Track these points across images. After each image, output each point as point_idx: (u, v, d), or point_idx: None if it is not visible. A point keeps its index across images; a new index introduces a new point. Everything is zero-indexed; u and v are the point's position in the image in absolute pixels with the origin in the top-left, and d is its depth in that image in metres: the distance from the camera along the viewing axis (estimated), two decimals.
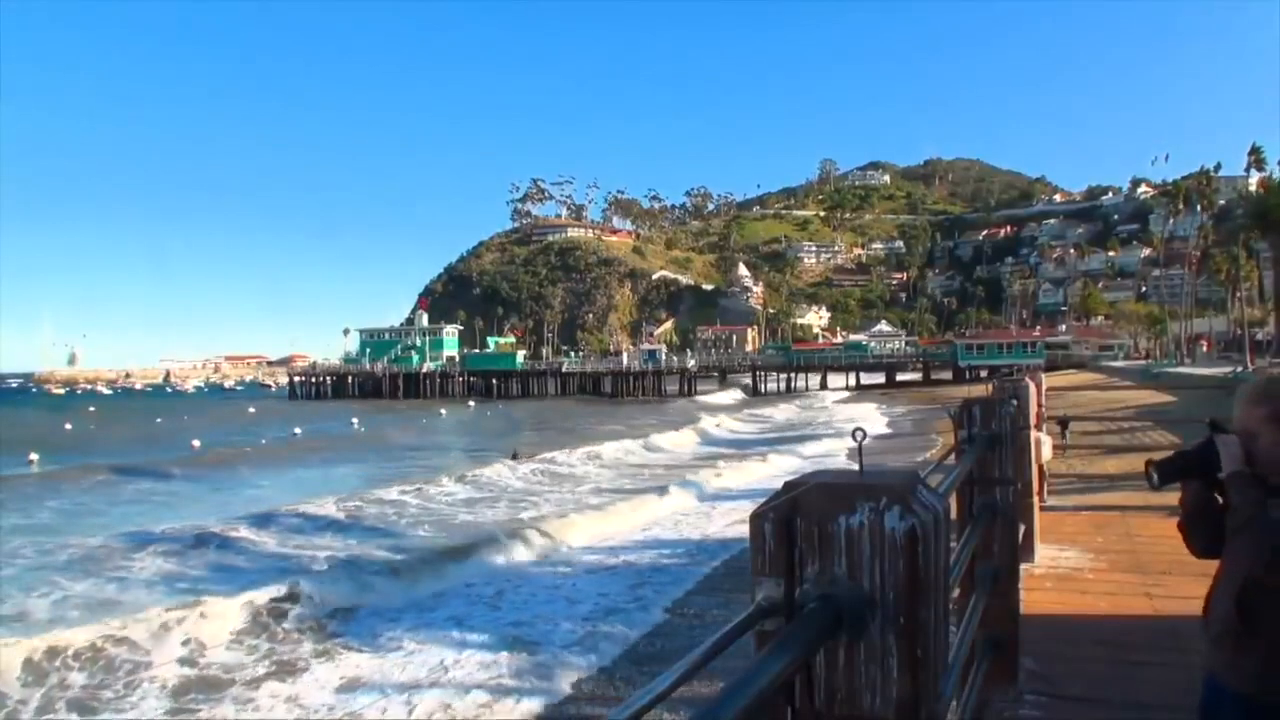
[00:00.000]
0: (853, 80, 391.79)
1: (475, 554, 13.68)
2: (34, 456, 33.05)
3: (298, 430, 45.82)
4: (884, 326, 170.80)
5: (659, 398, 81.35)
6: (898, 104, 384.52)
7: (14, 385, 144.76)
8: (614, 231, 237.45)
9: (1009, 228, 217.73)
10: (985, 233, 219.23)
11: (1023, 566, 4.80)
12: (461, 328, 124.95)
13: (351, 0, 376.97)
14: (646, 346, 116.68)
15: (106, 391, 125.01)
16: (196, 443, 37.19)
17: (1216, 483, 2.27)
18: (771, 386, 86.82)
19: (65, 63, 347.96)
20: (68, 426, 39.90)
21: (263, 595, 10.98)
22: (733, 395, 79.22)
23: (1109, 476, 11.96)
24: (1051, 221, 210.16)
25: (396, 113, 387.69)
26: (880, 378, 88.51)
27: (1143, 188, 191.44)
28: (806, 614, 1.14)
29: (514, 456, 31.34)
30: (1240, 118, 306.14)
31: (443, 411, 61.91)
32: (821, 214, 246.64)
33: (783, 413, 55.29)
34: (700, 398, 75.26)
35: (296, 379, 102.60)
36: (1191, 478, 2.31)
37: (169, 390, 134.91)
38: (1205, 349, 66.91)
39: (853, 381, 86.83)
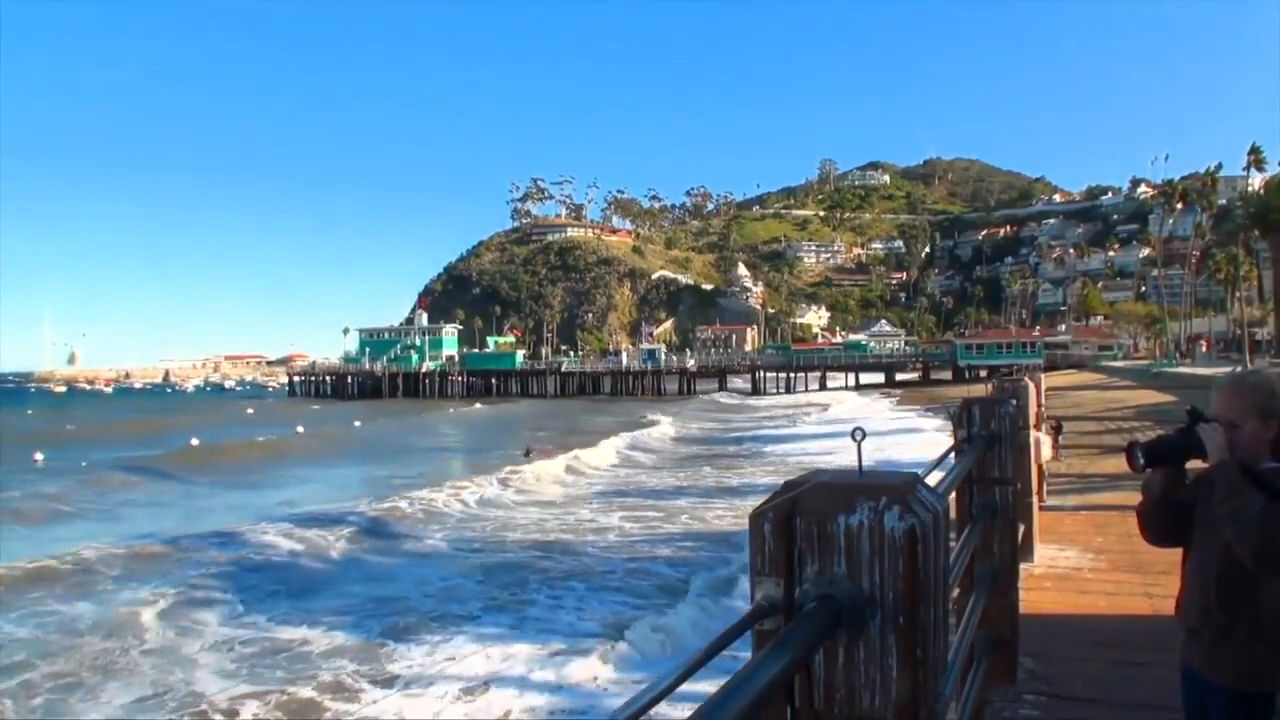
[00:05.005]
0: (853, 79, 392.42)
1: None
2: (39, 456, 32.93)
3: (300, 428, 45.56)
4: (883, 326, 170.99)
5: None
6: (898, 104, 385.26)
7: (13, 385, 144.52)
8: (614, 231, 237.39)
9: (1009, 228, 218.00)
10: (985, 233, 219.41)
11: (1022, 566, 4.80)
12: (461, 327, 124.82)
13: None
14: (646, 346, 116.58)
15: (106, 391, 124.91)
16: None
17: (1183, 473, 2.32)
18: (770, 387, 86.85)
19: (65, 60, 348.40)
20: (38, 457, 33.88)
21: None
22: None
23: (1108, 476, 11.94)
24: (1051, 221, 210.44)
25: (396, 111, 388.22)
26: (880, 377, 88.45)
27: (1142, 188, 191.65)
28: (806, 614, 1.13)
29: (526, 454, 27.74)
30: (1240, 118, 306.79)
31: (447, 409, 61.18)
32: (821, 214, 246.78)
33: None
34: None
35: (296, 379, 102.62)
36: (1174, 462, 2.33)
37: (169, 390, 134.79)
38: (1205, 349, 66.85)
39: (852, 381, 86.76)
